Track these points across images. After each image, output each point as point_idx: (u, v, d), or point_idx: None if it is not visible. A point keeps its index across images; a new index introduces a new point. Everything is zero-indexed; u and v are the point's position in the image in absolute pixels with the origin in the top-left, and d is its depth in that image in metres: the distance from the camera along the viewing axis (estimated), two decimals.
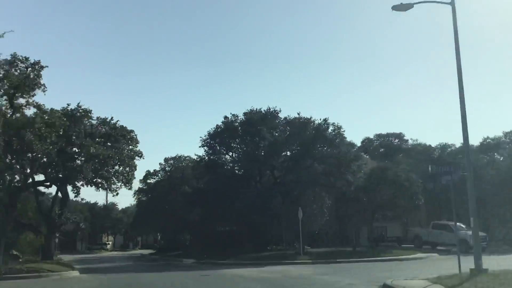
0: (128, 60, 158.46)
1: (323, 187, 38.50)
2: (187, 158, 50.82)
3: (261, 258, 32.35)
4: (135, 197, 55.94)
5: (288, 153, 39.72)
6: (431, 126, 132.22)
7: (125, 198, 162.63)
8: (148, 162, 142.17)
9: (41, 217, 31.45)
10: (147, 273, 24.12)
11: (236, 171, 39.90)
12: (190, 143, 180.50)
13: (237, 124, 39.12)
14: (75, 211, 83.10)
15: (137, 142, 32.96)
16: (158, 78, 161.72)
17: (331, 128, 38.03)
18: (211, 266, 29.40)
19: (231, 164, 40.60)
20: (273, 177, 39.89)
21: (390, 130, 64.60)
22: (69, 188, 31.13)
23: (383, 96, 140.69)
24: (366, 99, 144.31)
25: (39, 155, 23.73)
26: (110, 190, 31.05)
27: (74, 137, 26.36)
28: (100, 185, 29.81)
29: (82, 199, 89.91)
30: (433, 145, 59.31)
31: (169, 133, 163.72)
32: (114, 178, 29.33)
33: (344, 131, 38.12)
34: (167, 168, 51.91)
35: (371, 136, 64.28)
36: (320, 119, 38.06)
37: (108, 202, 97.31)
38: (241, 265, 28.89)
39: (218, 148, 39.98)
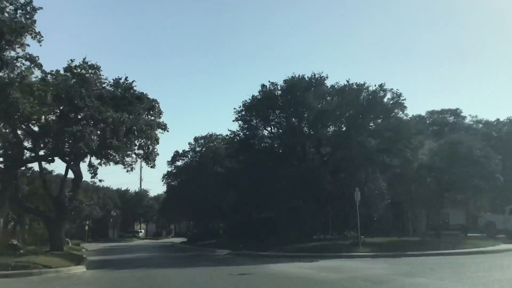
0: (152, 35, 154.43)
1: (378, 166, 32.17)
2: (219, 136, 45.21)
3: (309, 249, 26.44)
4: (163, 181, 50.82)
5: (336, 126, 33.43)
6: (492, 101, 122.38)
7: (157, 186, 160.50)
8: (177, 143, 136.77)
9: (50, 200, 26.48)
10: (170, 269, 18.55)
11: (276, 148, 33.88)
12: (222, 121, 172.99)
13: (277, 93, 33.12)
14: (104, 197, 79.56)
15: (161, 112, 27.55)
16: (186, 51, 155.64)
17: (388, 95, 31.60)
18: (250, 260, 23.67)
19: (269, 141, 34.57)
20: (319, 154, 33.75)
21: (445, 106, 57.21)
22: (84, 167, 26.06)
23: (436, 70, 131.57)
24: (418, 73, 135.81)
25: (32, 121, 18.42)
26: (123, 164, 25.63)
27: (77, 100, 20.82)
28: (110, 158, 24.24)
29: (103, 185, 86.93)
30: (494, 121, 51.89)
31: (200, 111, 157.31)
32: (127, 149, 23.59)
33: (404, 99, 31.61)
34: (197, 149, 46.43)
35: (423, 114, 57.06)
36: (375, 85, 31.71)
37: (140, 189, 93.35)
38: (285, 259, 23.09)
39: (254, 122, 34.07)
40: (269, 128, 34.48)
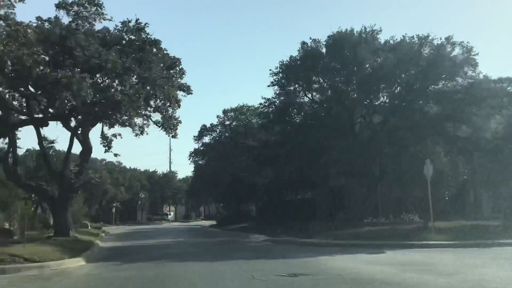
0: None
1: (443, 136, 26.61)
2: (250, 108, 40.14)
3: (364, 236, 21.26)
4: (190, 159, 46.23)
5: (392, 89, 27.80)
6: None
7: (185, 168, 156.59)
8: (204, 117, 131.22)
9: (52, 175, 22.07)
10: (193, 264, 13.66)
11: (318, 118, 28.53)
12: (255, 90, 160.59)
13: (320, 52, 27.70)
14: (131, 179, 76.06)
15: (183, 72, 22.61)
16: (211, 9, 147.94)
17: (457, 49, 25.76)
18: (294, 250, 18.69)
19: (311, 109, 29.27)
20: (370, 124, 28.28)
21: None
22: (95, 138, 21.50)
23: None
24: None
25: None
26: (131, 126, 20.69)
27: (70, 42, 15.94)
28: (114, 118, 19.18)
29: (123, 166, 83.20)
30: None
31: (229, 80, 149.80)
32: (136, 104, 18.46)
33: (476, 54, 25.73)
34: (226, 122, 41.49)
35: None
36: (440, 38, 25.92)
37: (168, 171, 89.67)
38: (339, 248, 18.04)
39: (292, 87, 28.76)
40: (310, 94, 29.10)
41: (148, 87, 18.78)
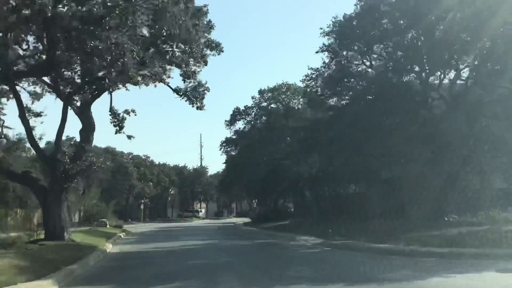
0: None
1: None
2: (292, 86, 34.24)
3: (461, 241, 15.14)
4: (221, 149, 40.76)
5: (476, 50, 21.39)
6: None
7: (217, 165, 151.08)
8: (237, 100, 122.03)
9: (41, 160, 16.82)
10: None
11: (380, 90, 22.40)
12: (298, 65, 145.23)
13: (382, 8, 21.60)
14: (159, 174, 71.44)
15: (211, 26, 16.98)
16: None
17: None
18: (369, 259, 12.90)
19: (370, 79, 23.15)
20: (447, 96, 21.99)
21: None
22: (101, 115, 16.38)
23: None
24: None
25: None
26: (135, 83, 15.15)
27: None
28: (114, 71, 13.32)
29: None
30: None
31: (266, 56, 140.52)
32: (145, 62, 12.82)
33: None
34: (263, 104, 35.68)
35: None
36: None
37: (198, 166, 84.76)
38: (435, 259, 12.33)
39: (348, 51, 22.74)
40: (368, 63, 23.00)
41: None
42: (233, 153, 40.55)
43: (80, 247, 15.15)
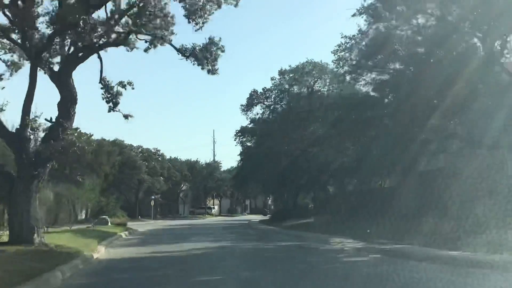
0: None
1: None
2: (317, 64, 29.85)
3: None
4: (236, 140, 36.71)
5: None
6: None
7: (230, 161, 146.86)
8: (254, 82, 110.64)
9: (4, 139, 12.89)
10: None
11: (432, 56, 18.03)
12: (325, 41, 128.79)
13: None
14: (170, 168, 67.63)
15: None
16: None
17: None
18: (454, 276, 8.69)
19: (420, 44, 18.80)
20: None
21: None
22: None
23: None
24: None
25: None
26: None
27: None
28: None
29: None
30: None
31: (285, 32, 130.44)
32: None
33: None
34: (284, 87, 31.31)
35: None
36: None
37: (211, 161, 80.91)
38: None
39: (390, 12, 18.45)
40: (419, 25, 18.65)
41: None
42: (249, 144, 36.57)
43: (52, 255, 11.22)
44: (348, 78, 20.44)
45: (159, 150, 61.83)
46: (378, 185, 31.97)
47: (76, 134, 12.64)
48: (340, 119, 20.97)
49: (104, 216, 29.54)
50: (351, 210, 26.96)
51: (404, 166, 24.29)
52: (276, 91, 30.73)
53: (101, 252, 14.86)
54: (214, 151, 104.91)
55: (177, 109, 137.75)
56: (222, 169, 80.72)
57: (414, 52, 17.69)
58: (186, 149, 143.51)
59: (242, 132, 35.80)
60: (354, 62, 19.71)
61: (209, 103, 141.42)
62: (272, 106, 30.62)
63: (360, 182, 25.95)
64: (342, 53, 19.94)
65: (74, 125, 13.31)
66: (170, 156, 71.68)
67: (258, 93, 30.58)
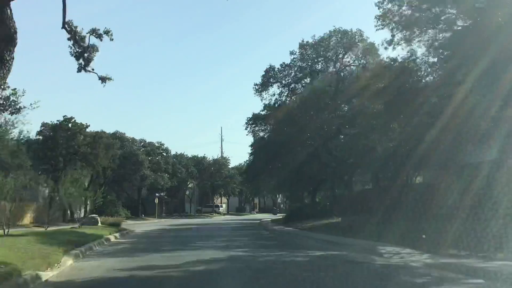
0: None
1: None
2: (348, 33, 24.79)
3: None
4: (247, 129, 32.00)
5: None
6: None
7: (239, 158, 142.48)
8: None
9: None
10: None
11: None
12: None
13: None
14: (175, 163, 63.10)
15: None
16: None
17: None
18: None
19: None
20: None
21: None
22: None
23: None
24: None
25: None
26: None
27: None
28: None
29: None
30: None
31: None
32: None
33: None
34: (307, 63, 26.30)
35: None
36: None
37: (219, 157, 76.30)
38: None
39: None
40: None
41: None
42: (262, 134, 31.96)
43: None
44: (397, 37, 15.64)
45: (163, 144, 57.33)
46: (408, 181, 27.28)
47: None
48: (387, 91, 16.16)
49: (93, 215, 25.05)
50: (389, 209, 22.26)
51: (451, 158, 19.61)
52: (296, 67, 25.67)
53: (62, 267, 10.29)
54: (221, 149, 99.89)
55: (183, 105, 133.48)
56: (230, 166, 76.05)
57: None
58: (193, 146, 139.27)
59: (255, 120, 31.08)
60: (404, 18, 14.92)
61: (217, 97, 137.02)
62: (291, 86, 25.57)
63: (397, 175, 21.20)
64: (389, 5, 15.19)
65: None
66: (176, 152, 67.24)
67: (275, 69, 25.50)
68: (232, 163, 78.41)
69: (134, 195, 55.18)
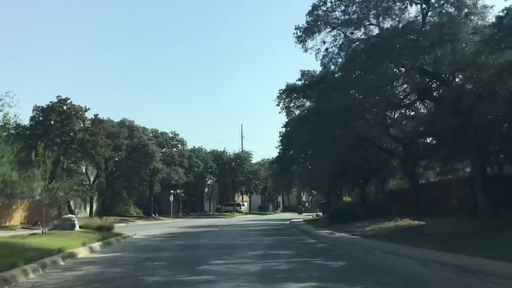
0: None
1: None
2: None
3: None
4: (279, 104, 24.49)
5: None
6: None
7: (260, 153, 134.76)
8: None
9: None
10: None
11: None
12: None
13: None
14: (191, 156, 55.80)
15: None
16: None
17: None
18: None
19: None
20: None
21: None
22: None
23: None
24: None
25: None
26: None
27: None
28: None
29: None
30: None
31: None
32: None
33: None
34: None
35: None
36: None
37: (240, 151, 69.00)
38: None
39: None
40: None
41: None
42: (297, 113, 24.48)
43: None
44: None
45: (177, 135, 50.21)
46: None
47: None
48: None
49: (69, 216, 17.92)
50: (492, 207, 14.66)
51: None
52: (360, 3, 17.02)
53: None
54: (242, 147, 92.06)
55: (204, 100, 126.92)
56: (252, 161, 68.76)
57: None
58: (211, 143, 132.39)
59: (289, 92, 23.52)
60: None
61: (239, 91, 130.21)
62: (350, 30, 17.23)
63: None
64: None
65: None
66: (194, 146, 60.25)
67: (327, 5, 17.21)
68: (255, 157, 71.18)
69: (146, 192, 48.44)
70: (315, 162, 25.17)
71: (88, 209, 44.18)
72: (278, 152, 28.23)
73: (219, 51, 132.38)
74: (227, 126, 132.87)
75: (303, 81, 23.14)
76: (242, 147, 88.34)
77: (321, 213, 51.39)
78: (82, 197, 38.08)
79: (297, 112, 24.66)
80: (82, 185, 35.61)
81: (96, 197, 44.69)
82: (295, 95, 23.41)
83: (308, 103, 23.11)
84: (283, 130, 26.67)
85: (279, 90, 23.89)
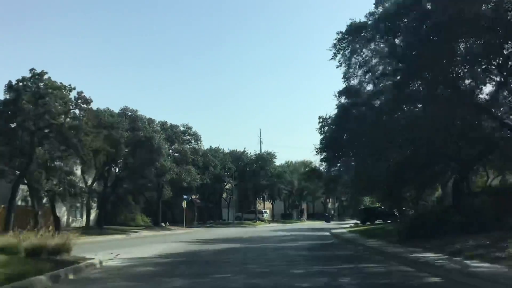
0: None
1: None
2: None
3: None
4: (337, 54, 16.34)
5: None
6: None
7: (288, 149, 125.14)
8: None
9: None
10: None
11: None
12: None
13: None
14: (206, 154, 47.15)
15: None
16: None
17: None
18: None
19: None
20: None
21: None
22: None
23: None
24: None
25: None
26: None
27: None
28: None
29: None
30: None
31: None
32: None
33: None
34: None
35: None
36: None
37: (263, 152, 60.52)
38: None
39: None
40: None
41: None
42: (361, 72, 16.28)
43: None
44: None
45: (190, 128, 42.11)
46: None
47: None
48: None
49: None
50: None
51: None
52: None
53: None
54: (260, 151, 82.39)
55: (221, 104, 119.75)
56: (275, 163, 60.30)
57: None
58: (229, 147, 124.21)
59: (354, 34, 15.27)
60: None
61: (258, 91, 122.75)
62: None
63: None
64: None
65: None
66: (210, 146, 52.28)
67: None
68: (286, 155, 62.81)
69: (154, 196, 40.59)
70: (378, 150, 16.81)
71: (85, 217, 36.58)
72: (325, 133, 19.23)
73: (242, 55, 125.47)
74: (244, 131, 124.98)
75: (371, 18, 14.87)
76: (260, 145, 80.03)
77: (359, 222, 42.67)
78: (69, 201, 30.40)
79: (360, 72, 16.19)
80: (73, 186, 28.05)
81: (96, 204, 36.94)
82: (364, 33, 14.84)
83: (386, 49, 14.79)
84: (337, 102, 17.95)
85: (338, 33, 15.65)
